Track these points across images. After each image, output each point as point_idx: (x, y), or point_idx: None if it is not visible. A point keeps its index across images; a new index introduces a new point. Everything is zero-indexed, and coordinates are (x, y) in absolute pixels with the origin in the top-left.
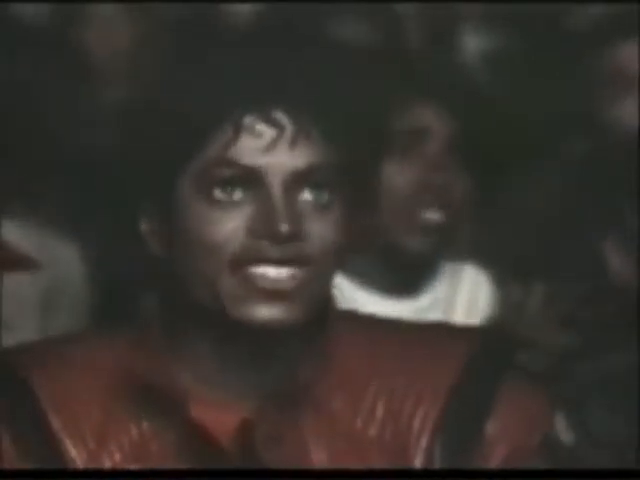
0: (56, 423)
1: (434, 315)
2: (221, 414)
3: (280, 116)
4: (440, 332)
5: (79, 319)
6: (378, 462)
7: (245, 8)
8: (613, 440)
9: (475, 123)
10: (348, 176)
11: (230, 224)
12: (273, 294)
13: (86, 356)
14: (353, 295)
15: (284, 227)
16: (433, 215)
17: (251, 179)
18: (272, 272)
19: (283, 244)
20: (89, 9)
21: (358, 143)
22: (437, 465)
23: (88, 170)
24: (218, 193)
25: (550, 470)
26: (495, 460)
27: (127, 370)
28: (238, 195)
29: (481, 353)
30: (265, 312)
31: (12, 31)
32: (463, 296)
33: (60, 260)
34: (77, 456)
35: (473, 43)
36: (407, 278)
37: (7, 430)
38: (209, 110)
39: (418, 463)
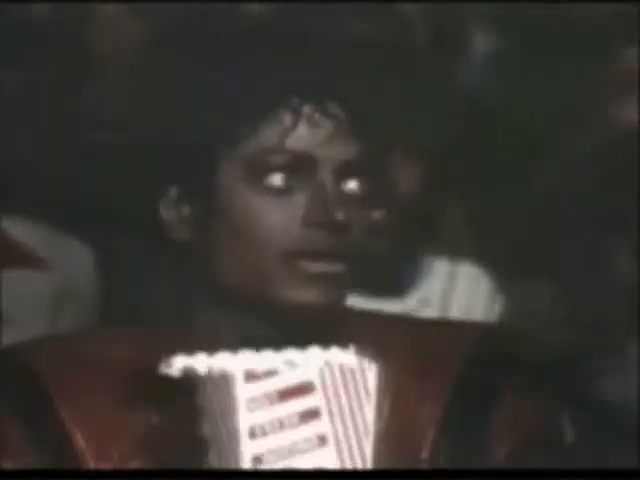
0: (67, 416)
1: (425, 314)
2: None
3: (335, 108)
4: (442, 328)
5: (90, 316)
6: (382, 459)
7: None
8: (613, 440)
9: (479, 123)
10: (376, 169)
11: (284, 213)
12: (317, 277)
13: (98, 350)
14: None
15: (340, 216)
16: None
17: (305, 168)
18: (324, 266)
19: (336, 233)
20: (91, 9)
21: (385, 137)
22: (442, 463)
23: (98, 166)
24: (272, 180)
25: (550, 470)
26: (497, 459)
27: (139, 363)
28: (291, 183)
29: (482, 351)
30: (307, 295)
31: (12, 31)
32: (459, 295)
33: (71, 257)
34: (87, 448)
35: (475, 44)
36: (400, 275)
37: (19, 423)
38: (260, 98)
39: (424, 461)
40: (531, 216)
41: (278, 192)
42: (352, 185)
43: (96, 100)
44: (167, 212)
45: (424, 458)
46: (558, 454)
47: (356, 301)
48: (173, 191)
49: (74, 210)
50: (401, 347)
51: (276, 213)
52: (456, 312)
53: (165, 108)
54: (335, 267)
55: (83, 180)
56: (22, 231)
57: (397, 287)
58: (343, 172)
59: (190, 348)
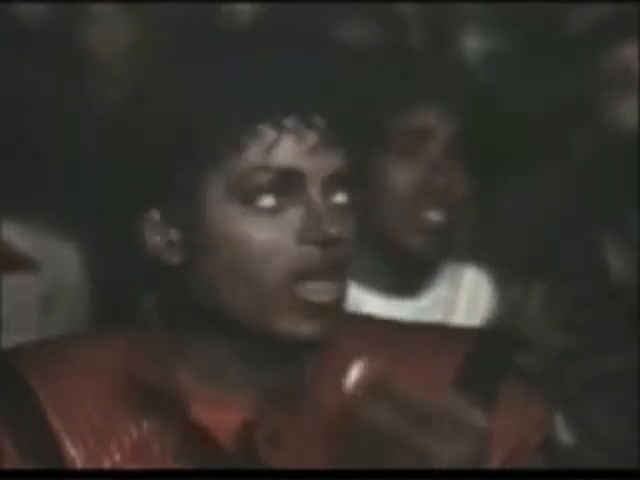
0: (56, 423)
1: (435, 316)
2: (221, 414)
3: (318, 119)
4: (440, 333)
5: (79, 320)
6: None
7: (245, 8)
8: (613, 440)
9: (476, 123)
10: (361, 177)
11: (276, 232)
12: (318, 309)
13: (86, 356)
14: (354, 296)
15: (333, 229)
16: (434, 216)
17: (294, 184)
18: (320, 286)
19: (331, 249)
20: (89, 9)
21: (369, 144)
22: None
23: (88, 170)
24: (261, 199)
25: (550, 470)
26: (495, 460)
27: (127, 370)
28: (281, 201)
29: (480, 353)
30: (308, 328)
31: (12, 31)
32: (463, 297)
33: (59, 261)
34: (77, 456)
35: (474, 43)
36: (408, 279)
37: (7, 430)
38: (242, 112)
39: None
40: (531, 217)
41: (268, 211)
42: (340, 197)
43: (82, 106)
44: (152, 237)
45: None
46: (556, 455)
47: (368, 300)
48: (154, 213)
49: (64, 213)
50: (399, 351)
51: (268, 233)
52: (460, 314)
53: (149, 122)
54: (330, 288)
55: (71, 184)
56: (12, 233)
57: (411, 289)
58: (330, 185)
59: (177, 357)
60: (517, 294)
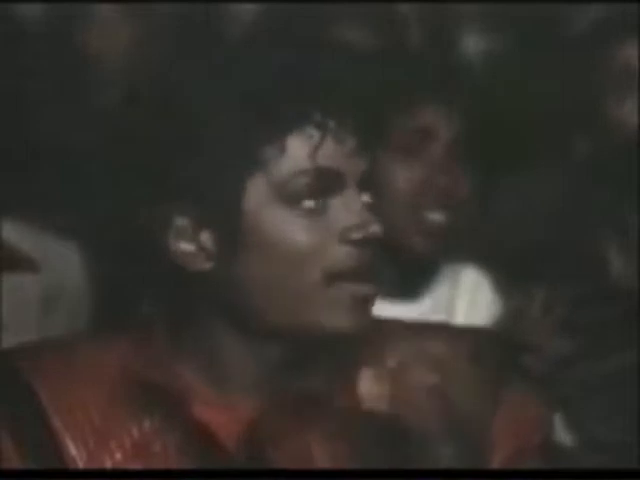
0: (57, 423)
1: (435, 318)
2: (223, 414)
3: (353, 121)
4: (442, 333)
5: (79, 320)
6: (382, 463)
7: (249, 7)
8: (612, 440)
9: (476, 123)
10: (378, 178)
11: (319, 232)
12: (354, 305)
13: (87, 356)
14: None
15: (375, 229)
16: (435, 216)
17: (334, 185)
18: (360, 287)
19: (369, 249)
20: (89, 9)
21: (375, 144)
22: (442, 466)
23: (88, 170)
24: (303, 201)
25: (550, 470)
26: (496, 461)
27: (129, 369)
28: (322, 201)
29: (482, 356)
30: (344, 322)
31: (11, 31)
32: (463, 298)
33: (60, 261)
34: (78, 456)
35: (475, 43)
36: (409, 280)
37: (8, 430)
38: (284, 113)
39: (423, 464)
40: (531, 217)
41: (311, 212)
42: (367, 197)
43: (82, 106)
44: (179, 242)
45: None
46: (556, 455)
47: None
48: (181, 220)
49: (64, 213)
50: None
51: (311, 233)
52: (460, 317)
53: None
54: (369, 287)
55: (71, 184)
56: (13, 233)
57: (411, 290)
58: (362, 185)
59: (179, 356)
60: (517, 295)
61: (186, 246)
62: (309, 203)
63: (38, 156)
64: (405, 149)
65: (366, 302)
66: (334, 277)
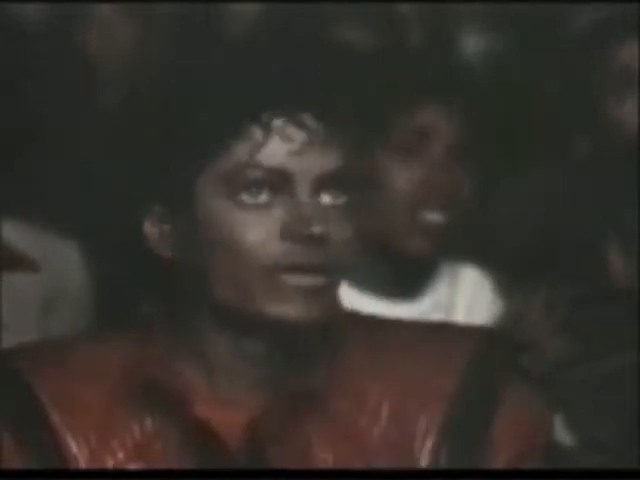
0: (58, 423)
1: (434, 318)
2: (225, 413)
3: (309, 119)
4: (443, 333)
5: (80, 319)
6: (383, 462)
7: (245, 8)
8: (612, 441)
9: (476, 123)
10: (358, 179)
11: (262, 228)
12: (304, 294)
13: (88, 355)
14: (354, 298)
15: (317, 229)
16: (435, 216)
17: (280, 182)
18: (304, 279)
19: (314, 247)
20: (89, 9)
21: (368, 145)
22: (442, 466)
23: (88, 169)
24: (246, 196)
25: (550, 470)
26: (499, 463)
27: (129, 369)
28: (266, 198)
29: (483, 356)
30: (295, 311)
31: (11, 31)
32: (463, 298)
33: (60, 260)
34: (79, 455)
35: (475, 43)
36: (408, 281)
37: (9, 430)
38: (232, 112)
39: (423, 464)
40: (531, 217)
41: (257, 207)
42: (331, 198)
43: (82, 106)
44: (149, 229)
45: (422, 465)
46: (556, 456)
47: (368, 303)
48: (157, 208)
49: (64, 212)
50: (400, 351)
51: (255, 228)
52: (460, 316)
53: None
54: (316, 280)
55: (71, 184)
56: (13, 233)
57: (410, 290)
58: (320, 185)
59: (180, 355)
60: (517, 295)
61: (154, 231)
62: (253, 198)
63: (38, 156)
64: (405, 149)
65: (316, 293)
66: (281, 270)
